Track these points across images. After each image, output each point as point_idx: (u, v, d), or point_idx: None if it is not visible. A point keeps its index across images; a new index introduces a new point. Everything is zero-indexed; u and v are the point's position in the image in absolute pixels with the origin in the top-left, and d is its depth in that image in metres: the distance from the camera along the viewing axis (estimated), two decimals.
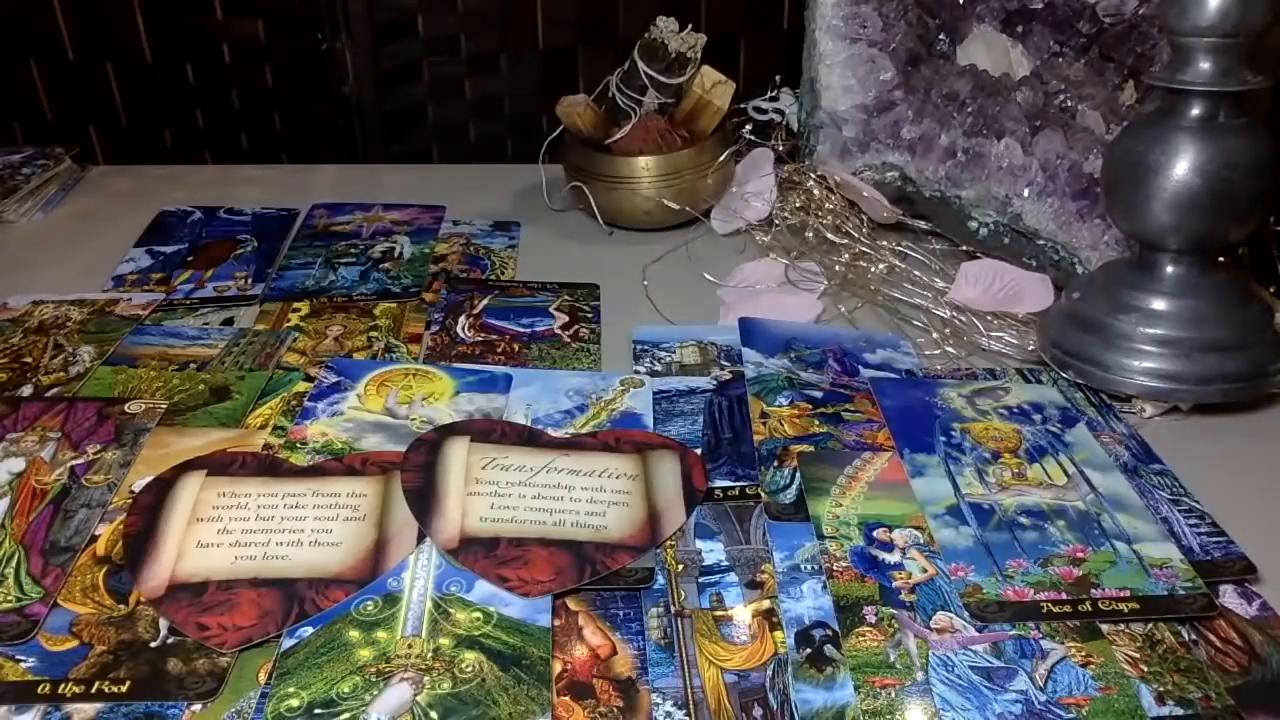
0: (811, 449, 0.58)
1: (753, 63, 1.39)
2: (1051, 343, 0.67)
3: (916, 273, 0.78)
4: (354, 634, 0.46)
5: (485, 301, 0.76)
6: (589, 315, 0.75)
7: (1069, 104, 0.81)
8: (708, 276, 0.80)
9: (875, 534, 0.52)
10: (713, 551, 0.52)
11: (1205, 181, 0.59)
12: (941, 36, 0.90)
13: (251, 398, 0.63)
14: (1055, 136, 0.77)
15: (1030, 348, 0.70)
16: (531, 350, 0.70)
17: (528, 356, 0.69)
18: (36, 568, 0.49)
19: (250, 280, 0.80)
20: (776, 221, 0.87)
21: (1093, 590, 0.48)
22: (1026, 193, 0.77)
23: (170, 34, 1.32)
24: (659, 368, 0.68)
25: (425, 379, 0.65)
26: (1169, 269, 0.63)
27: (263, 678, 0.44)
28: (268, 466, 0.56)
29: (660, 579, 0.50)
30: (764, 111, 0.98)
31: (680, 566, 0.51)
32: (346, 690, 0.43)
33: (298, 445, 0.58)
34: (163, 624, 0.46)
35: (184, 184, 1.00)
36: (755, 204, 0.88)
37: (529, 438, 0.59)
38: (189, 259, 0.83)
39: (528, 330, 0.73)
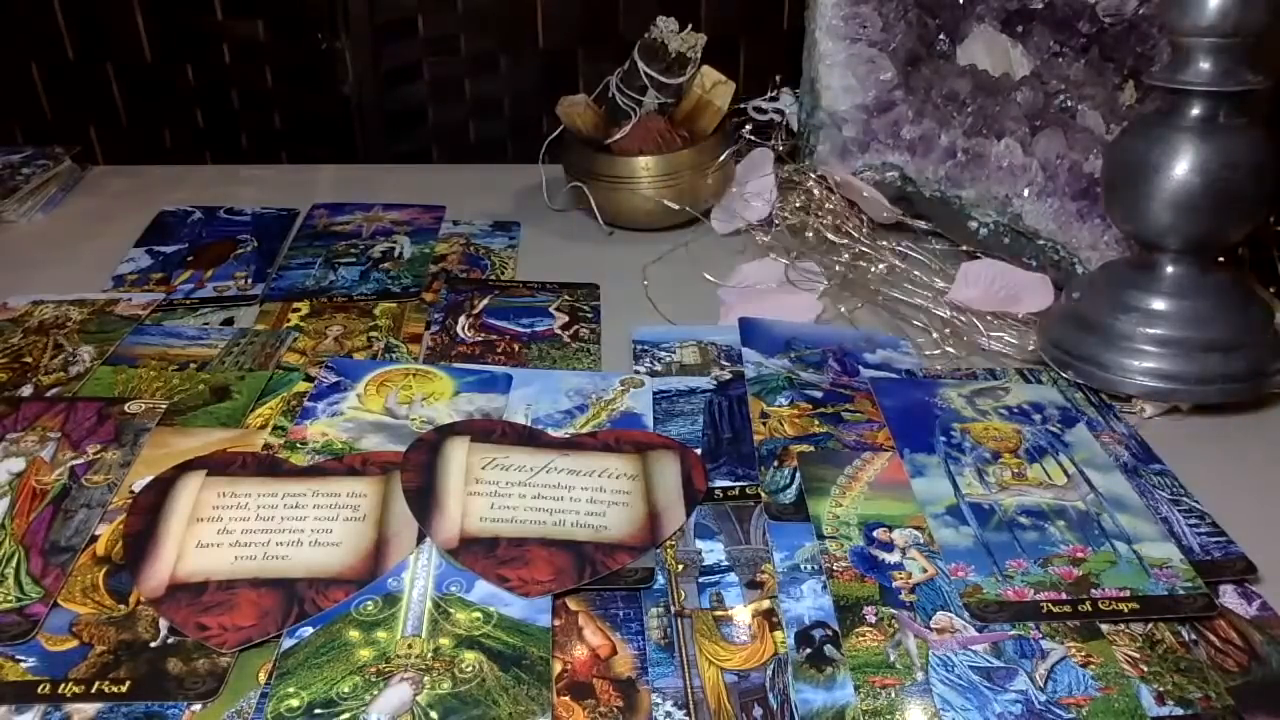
0: (811, 449, 0.58)
1: (753, 63, 1.39)
2: (1051, 343, 0.67)
3: (916, 273, 0.78)
4: (354, 634, 0.46)
5: (485, 301, 0.76)
6: (589, 315, 0.75)
7: (1069, 104, 0.81)
8: (708, 276, 0.80)
9: (875, 534, 0.52)
10: (713, 551, 0.52)
11: (1205, 181, 0.59)
12: (941, 36, 0.90)
13: (251, 398, 0.63)
14: (1055, 136, 0.77)
15: (1030, 348, 0.70)
16: (531, 350, 0.70)
17: (528, 356, 0.69)
18: (36, 568, 0.49)
19: (250, 280, 0.80)
20: (776, 221, 0.87)
21: (1093, 590, 0.48)
22: (1026, 193, 0.77)
23: (170, 34, 1.32)
24: (659, 368, 0.68)
25: (425, 379, 0.65)
26: (1169, 269, 0.63)
27: (263, 678, 0.44)
28: (268, 466, 0.56)
29: (660, 579, 0.50)
30: (764, 111, 0.98)
31: (680, 566, 0.51)
32: (346, 690, 0.43)
33: (298, 445, 0.58)
34: (163, 624, 0.46)
35: (184, 184, 1.00)
36: (755, 204, 0.88)
37: (529, 438, 0.59)
38: (189, 259, 0.83)
39: (528, 330, 0.73)
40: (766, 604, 0.48)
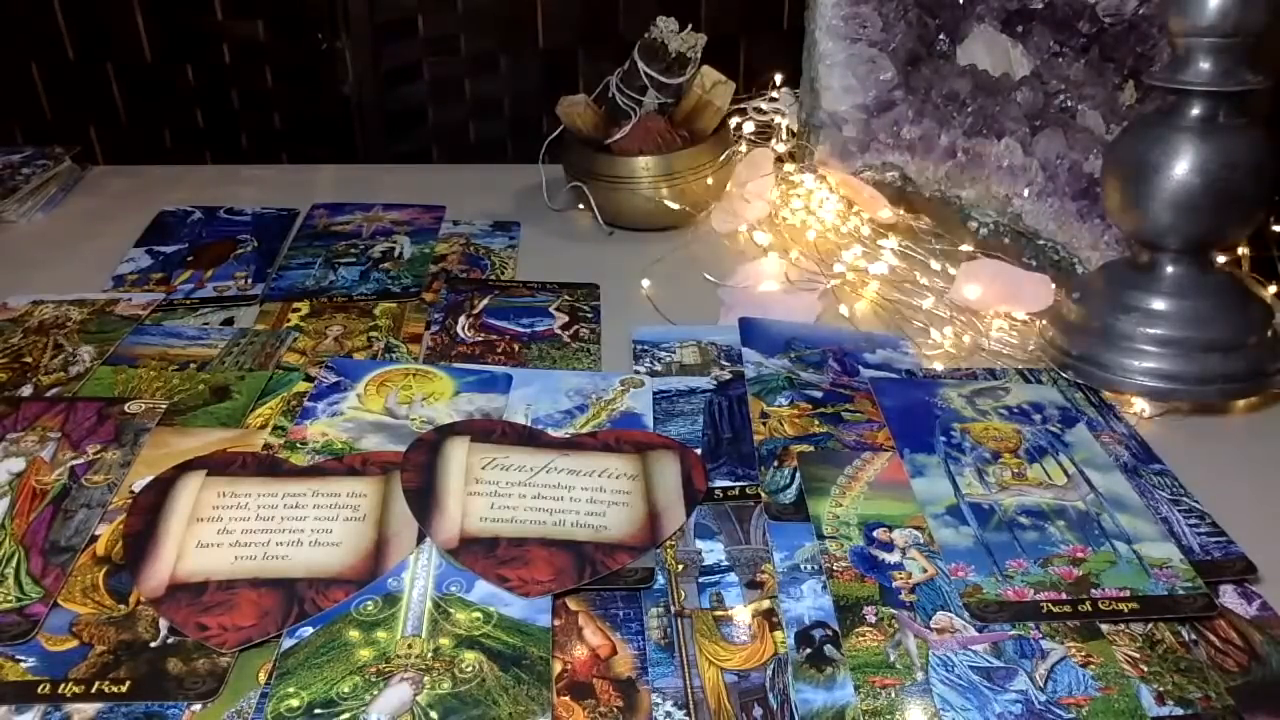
0: (811, 449, 0.58)
1: (753, 63, 1.39)
2: (1051, 343, 0.67)
3: (916, 273, 0.78)
4: (354, 634, 0.46)
5: (485, 301, 0.76)
6: (589, 315, 0.75)
7: (1069, 104, 0.81)
8: (708, 276, 0.80)
9: (875, 534, 0.52)
10: (713, 551, 0.52)
11: (1205, 181, 0.59)
12: (941, 36, 0.90)
13: (251, 398, 0.63)
14: (1055, 136, 0.77)
15: (1030, 348, 0.70)
16: (531, 350, 0.70)
17: (528, 356, 0.69)
18: (36, 568, 0.49)
19: (250, 280, 0.80)
20: (776, 221, 0.87)
21: (1093, 590, 0.48)
22: (1026, 193, 0.77)
23: (170, 34, 1.32)
24: (659, 368, 0.68)
25: (425, 379, 0.65)
26: (1169, 269, 0.63)
27: (263, 678, 0.44)
28: (268, 466, 0.56)
29: (660, 579, 0.50)
30: (764, 111, 0.98)
31: (680, 566, 0.51)
32: (346, 690, 0.43)
33: (298, 445, 0.58)
34: (163, 624, 0.46)
35: (184, 184, 1.00)
36: (755, 204, 0.88)
37: (529, 438, 0.59)
38: (189, 259, 0.83)
39: (528, 330, 0.73)
40: (766, 604, 0.48)
